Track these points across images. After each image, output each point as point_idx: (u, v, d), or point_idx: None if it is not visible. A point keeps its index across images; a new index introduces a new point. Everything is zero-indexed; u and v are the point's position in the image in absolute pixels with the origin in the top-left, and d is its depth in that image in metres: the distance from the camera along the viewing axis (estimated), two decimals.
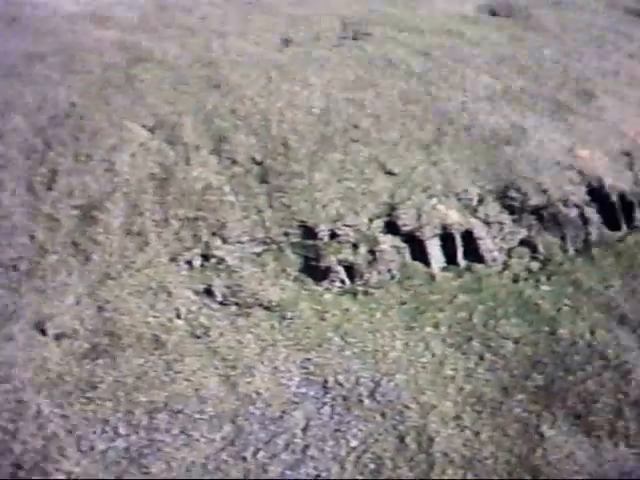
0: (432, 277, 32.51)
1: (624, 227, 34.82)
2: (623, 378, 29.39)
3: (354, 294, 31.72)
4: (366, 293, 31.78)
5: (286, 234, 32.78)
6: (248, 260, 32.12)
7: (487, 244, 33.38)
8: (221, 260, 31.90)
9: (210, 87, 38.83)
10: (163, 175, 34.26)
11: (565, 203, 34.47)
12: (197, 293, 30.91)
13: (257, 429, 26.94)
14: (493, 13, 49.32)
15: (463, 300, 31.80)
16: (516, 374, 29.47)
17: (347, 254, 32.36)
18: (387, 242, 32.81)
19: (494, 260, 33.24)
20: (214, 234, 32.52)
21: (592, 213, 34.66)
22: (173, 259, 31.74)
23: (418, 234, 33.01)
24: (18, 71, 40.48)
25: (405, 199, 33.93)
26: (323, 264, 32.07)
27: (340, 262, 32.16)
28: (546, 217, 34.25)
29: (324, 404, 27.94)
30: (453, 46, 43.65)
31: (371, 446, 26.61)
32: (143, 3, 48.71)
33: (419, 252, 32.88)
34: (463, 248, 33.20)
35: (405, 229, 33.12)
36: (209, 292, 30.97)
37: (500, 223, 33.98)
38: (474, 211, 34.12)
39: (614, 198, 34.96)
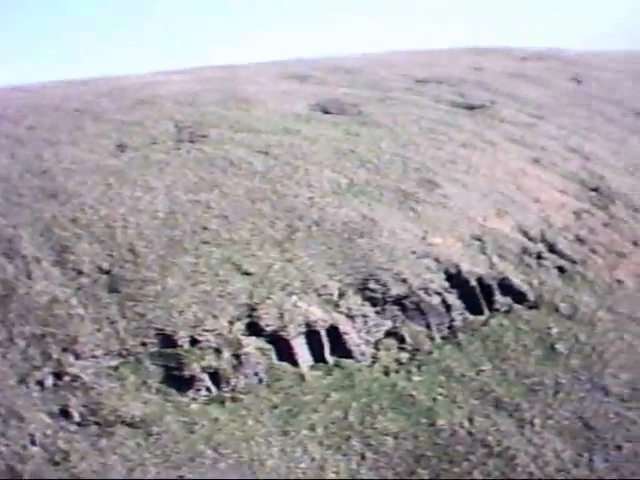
0: (301, 377, 31.04)
1: (486, 311, 34.58)
2: (508, 465, 28.68)
3: (222, 402, 29.83)
4: (234, 399, 29.95)
5: (143, 344, 30.72)
6: (105, 375, 29.79)
7: (353, 338, 32.33)
8: (75, 377, 29.44)
9: (46, 197, 36.72)
10: (3, 291, 31.69)
11: (426, 291, 34.01)
12: (52, 415, 28.28)
13: None
14: (325, 111, 49.44)
15: (336, 398, 30.44)
16: (400, 471, 28.28)
17: (210, 360, 30.56)
18: (251, 344, 31.25)
19: (362, 354, 32.17)
20: (65, 350, 30.10)
21: (453, 299, 34.33)
22: (22, 380, 29.04)
23: (282, 334, 31.62)
24: None
25: (264, 298, 32.58)
26: (186, 373, 30.12)
27: (204, 369, 30.30)
28: (409, 306, 33.63)
29: None
30: (292, 144, 43.19)
31: None
32: None
33: (285, 352, 31.43)
34: (329, 344, 32.01)
35: (268, 329, 31.69)
36: (65, 413, 28.41)
37: (364, 316, 33.08)
38: (336, 306, 33.10)
39: (473, 283, 34.77)
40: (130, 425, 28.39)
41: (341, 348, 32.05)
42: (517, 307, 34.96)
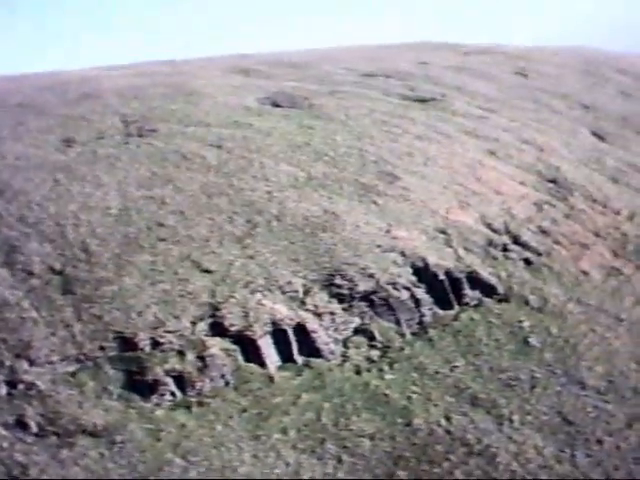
0: (270, 378, 29.45)
1: (455, 305, 33.36)
2: (490, 464, 27.55)
3: (188, 407, 28.11)
4: (201, 404, 28.25)
5: (102, 348, 28.87)
6: (62, 382, 27.87)
7: (321, 337, 30.84)
8: (31, 385, 27.49)
9: None
10: None
11: (394, 286, 32.65)
12: (7, 426, 26.32)
13: None
14: (275, 104, 47.84)
15: (307, 399, 28.93)
16: (379, 473, 26.95)
17: (174, 363, 28.83)
18: (216, 345, 29.58)
19: (332, 353, 30.69)
20: (18, 356, 28.14)
21: (422, 294, 33.05)
22: None
23: (248, 333, 30.01)
24: None
25: (227, 297, 30.94)
26: (149, 377, 28.36)
27: (167, 373, 28.55)
28: (377, 302, 32.23)
29: None
30: (245, 137, 41.53)
31: None
32: None
33: (252, 353, 29.81)
34: (297, 343, 30.48)
35: (233, 329, 30.05)
36: (22, 424, 26.48)
37: (331, 313, 31.60)
38: (302, 303, 31.58)
39: (441, 277, 33.52)
40: (92, 434, 26.58)
41: (309, 347, 30.54)
42: (487, 301, 33.80)
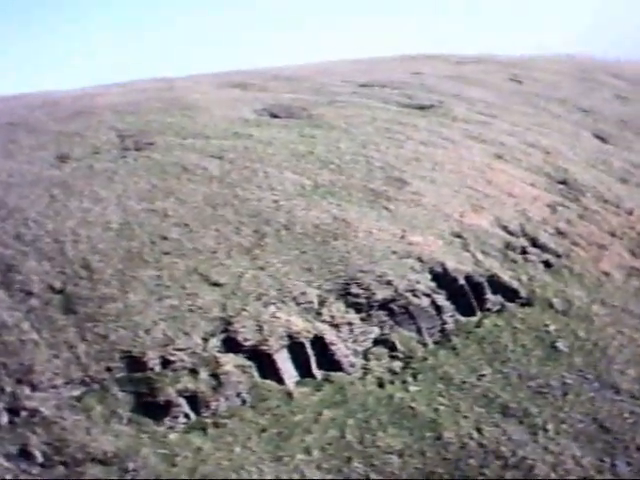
0: (289, 395, 27.16)
1: (477, 311, 31.18)
2: (527, 477, 25.38)
3: (203, 428, 25.77)
4: (217, 425, 25.93)
5: (109, 369, 26.53)
6: (68, 407, 25.49)
7: (340, 349, 28.58)
8: (34, 412, 25.09)
9: None
10: None
11: (413, 293, 30.46)
12: (10, 457, 23.92)
13: None
14: (273, 115, 45.75)
15: (330, 416, 26.64)
16: None
17: (186, 382, 26.51)
18: (230, 362, 27.28)
19: (352, 365, 28.42)
20: (20, 381, 25.76)
21: (443, 300, 30.85)
22: None
23: (263, 348, 27.73)
24: None
25: (239, 311, 28.69)
26: (160, 398, 26.02)
27: (180, 393, 26.23)
28: (396, 310, 30.02)
29: None
30: (246, 147, 39.39)
31: None
32: None
33: (268, 368, 27.52)
34: (315, 357, 28.21)
35: (247, 344, 27.77)
36: (26, 453, 24.07)
37: (349, 324, 29.37)
38: (318, 314, 29.35)
39: (462, 281, 31.34)
40: (102, 462, 24.20)
41: (328, 360, 28.26)
42: (509, 305, 31.63)
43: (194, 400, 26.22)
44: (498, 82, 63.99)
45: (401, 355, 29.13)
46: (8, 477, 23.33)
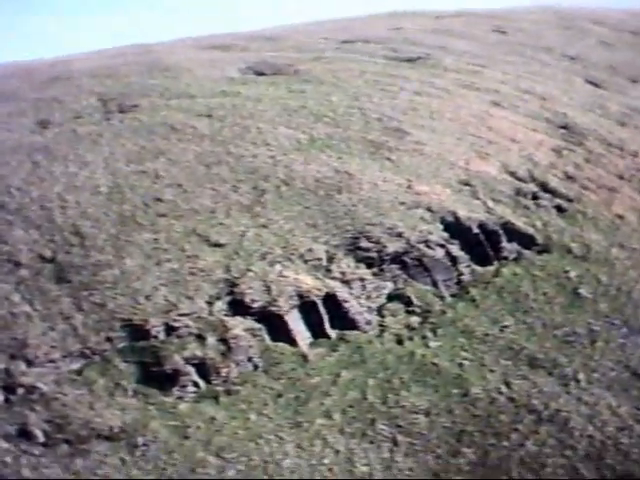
0: (303, 357, 25.12)
1: (494, 260, 29.17)
2: (563, 431, 23.54)
3: (215, 397, 23.73)
4: (229, 393, 23.88)
5: (109, 339, 24.38)
6: (67, 382, 23.33)
7: (354, 306, 26.52)
8: (32, 388, 22.92)
9: None
10: None
11: (427, 244, 28.43)
12: (9, 438, 21.79)
13: None
14: (259, 73, 43.38)
15: (348, 377, 24.65)
16: (441, 453, 22.79)
17: (193, 349, 24.41)
18: (238, 325, 25.19)
19: (368, 323, 26.39)
20: (14, 357, 23.57)
21: (457, 250, 28.85)
22: None
23: (273, 309, 25.64)
24: None
25: (244, 271, 26.56)
26: (167, 367, 23.93)
27: (187, 361, 24.14)
28: (410, 263, 28.01)
29: None
30: (235, 105, 37.09)
31: None
32: None
33: (279, 330, 25.46)
34: (328, 316, 26.13)
35: (256, 306, 25.68)
36: (26, 433, 21.95)
37: (361, 279, 27.34)
38: (327, 271, 27.28)
39: (475, 230, 29.33)
40: (108, 438, 22.16)
41: (342, 319, 26.23)
42: (526, 253, 29.70)
43: (203, 367, 24.15)
44: (482, 34, 61.70)
45: (418, 310, 27.13)
46: (8, 459, 21.18)
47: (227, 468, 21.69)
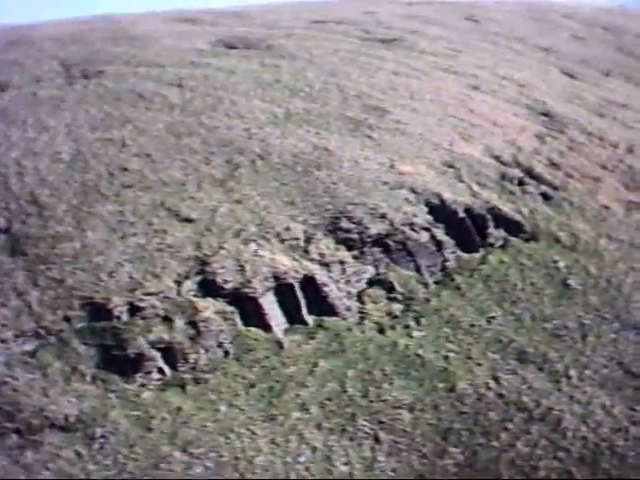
0: (278, 344, 22.66)
1: (479, 246, 26.91)
2: (555, 431, 21.37)
3: (182, 385, 21.23)
4: (197, 381, 21.38)
5: (67, 319, 21.74)
6: (19, 364, 20.68)
7: (333, 290, 24.10)
8: None
9: None
10: None
11: (411, 227, 26.07)
12: None
13: None
14: (230, 46, 40.68)
15: (327, 367, 22.26)
16: (427, 453, 20.50)
17: (159, 332, 21.85)
18: (209, 308, 22.67)
19: (348, 309, 23.98)
20: None
21: (442, 235, 26.50)
22: None
23: (247, 291, 23.14)
24: None
25: (216, 249, 24.04)
26: (130, 351, 21.36)
27: (153, 345, 21.59)
28: (393, 247, 25.65)
29: None
30: (206, 76, 34.46)
31: None
32: None
33: (253, 314, 22.98)
34: (306, 300, 23.69)
35: (228, 287, 23.17)
36: None
37: (341, 262, 24.94)
38: (305, 252, 24.84)
39: (461, 214, 27.04)
40: (63, 429, 19.62)
41: (320, 304, 23.81)
42: (513, 240, 27.44)
43: (169, 353, 21.66)
44: (454, 21, 59.49)
45: (400, 297, 24.79)
46: None
47: (194, 464, 19.23)
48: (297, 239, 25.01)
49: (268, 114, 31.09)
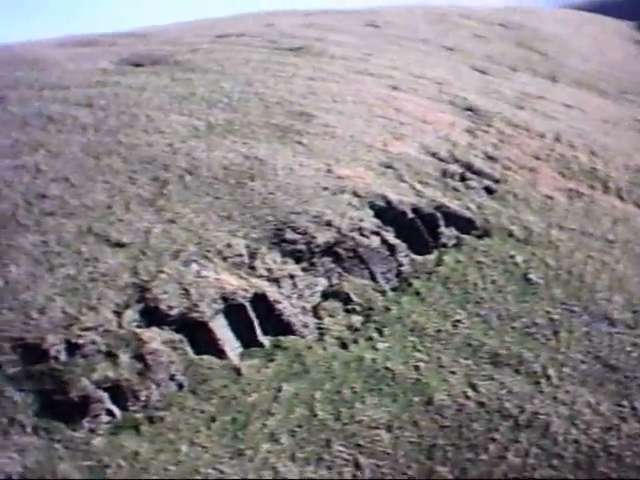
0: (236, 371, 20.42)
1: (433, 247, 25.23)
2: (545, 437, 19.78)
3: (135, 427, 18.78)
4: (151, 420, 18.98)
5: None
6: None
7: (287, 307, 22.03)
8: None
9: None
10: None
11: (360, 232, 24.20)
12: None
13: None
14: (136, 65, 38.28)
15: (291, 391, 20.15)
16: (413, 475, 18.59)
17: (104, 370, 19.36)
18: (155, 338, 20.29)
19: (305, 326, 21.92)
20: None
21: (393, 238, 24.72)
22: None
23: (194, 316, 20.87)
24: None
25: (155, 274, 21.71)
26: (73, 395, 18.81)
27: (98, 385, 19.09)
28: (343, 255, 23.72)
29: None
30: (116, 94, 32.06)
31: None
32: None
33: (204, 340, 20.68)
34: (259, 320, 21.56)
35: (173, 313, 20.85)
36: None
37: (291, 277, 22.87)
38: (251, 269, 22.69)
39: (410, 215, 25.32)
40: None
41: (275, 323, 21.67)
42: (466, 238, 25.87)
43: (117, 392, 19.14)
44: (355, 28, 58.23)
45: (358, 308, 22.83)
46: None
47: None
48: (240, 255, 22.85)
49: (189, 127, 28.90)
